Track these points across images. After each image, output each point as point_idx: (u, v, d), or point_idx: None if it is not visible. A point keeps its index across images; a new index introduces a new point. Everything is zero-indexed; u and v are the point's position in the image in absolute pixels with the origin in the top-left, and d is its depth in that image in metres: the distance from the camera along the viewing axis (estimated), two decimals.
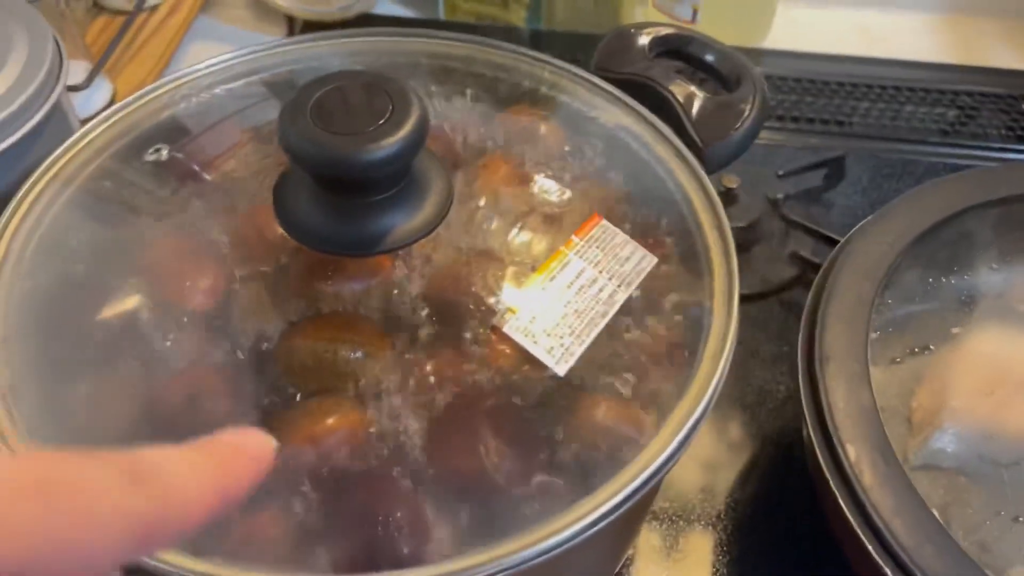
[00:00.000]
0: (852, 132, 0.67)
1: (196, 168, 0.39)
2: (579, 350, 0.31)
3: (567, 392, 0.32)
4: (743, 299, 0.55)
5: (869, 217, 0.45)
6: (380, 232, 0.31)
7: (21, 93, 0.41)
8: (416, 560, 0.28)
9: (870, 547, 0.34)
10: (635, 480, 0.28)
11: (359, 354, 0.32)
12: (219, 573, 0.26)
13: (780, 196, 0.59)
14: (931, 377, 0.41)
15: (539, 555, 0.27)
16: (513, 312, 0.31)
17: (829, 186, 0.61)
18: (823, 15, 0.78)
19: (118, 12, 0.66)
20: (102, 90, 0.59)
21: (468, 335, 0.32)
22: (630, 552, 0.44)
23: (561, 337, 0.31)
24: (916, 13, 0.78)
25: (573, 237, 0.33)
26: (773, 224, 0.59)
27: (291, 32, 0.73)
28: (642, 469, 0.28)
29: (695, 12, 0.72)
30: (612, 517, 0.28)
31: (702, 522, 0.46)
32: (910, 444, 0.41)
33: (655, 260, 0.34)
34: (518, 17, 0.74)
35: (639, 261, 0.34)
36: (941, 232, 0.44)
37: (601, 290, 0.32)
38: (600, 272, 0.33)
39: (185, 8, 0.68)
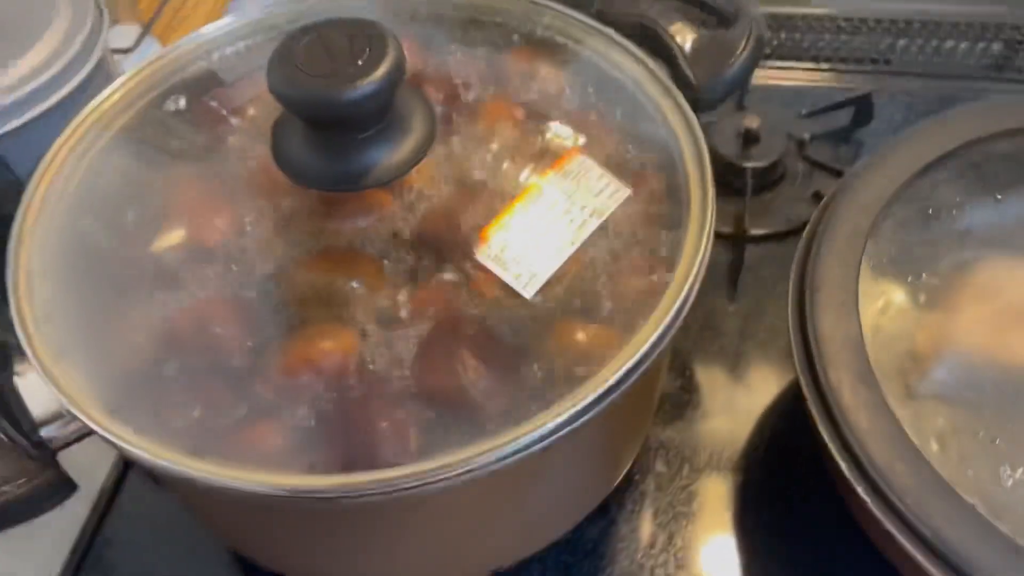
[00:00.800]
0: (890, 70, 0.66)
1: (219, 117, 0.42)
2: (546, 275, 0.33)
3: (543, 315, 0.34)
4: (764, 238, 0.57)
5: (874, 152, 0.45)
6: (366, 168, 0.34)
7: (64, 54, 0.45)
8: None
9: (843, 466, 0.36)
10: (591, 395, 0.30)
11: (352, 284, 0.35)
12: (218, 471, 0.30)
13: (806, 136, 0.59)
14: (933, 308, 0.41)
15: (508, 455, 0.29)
16: (485, 240, 0.33)
17: (857, 126, 0.61)
18: None
19: None
20: (151, 52, 0.63)
21: (449, 264, 0.34)
22: (635, 476, 0.46)
23: (529, 263, 0.33)
24: None
25: (548, 171, 0.35)
26: (797, 164, 0.59)
27: None
28: (601, 382, 0.30)
29: None
30: (574, 424, 0.30)
31: (713, 455, 0.47)
32: (912, 374, 0.41)
33: (628, 192, 0.36)
34: None
35: (613, 193, 0.35)
36: (944, 164, 0.44)
37: (572, 220, 0.34)
38: (572, 203, 0.35)
39: None
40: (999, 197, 0.43)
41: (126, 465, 0.48)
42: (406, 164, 0.34)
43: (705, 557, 0.44)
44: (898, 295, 0.41)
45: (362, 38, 0.33)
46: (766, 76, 0.66)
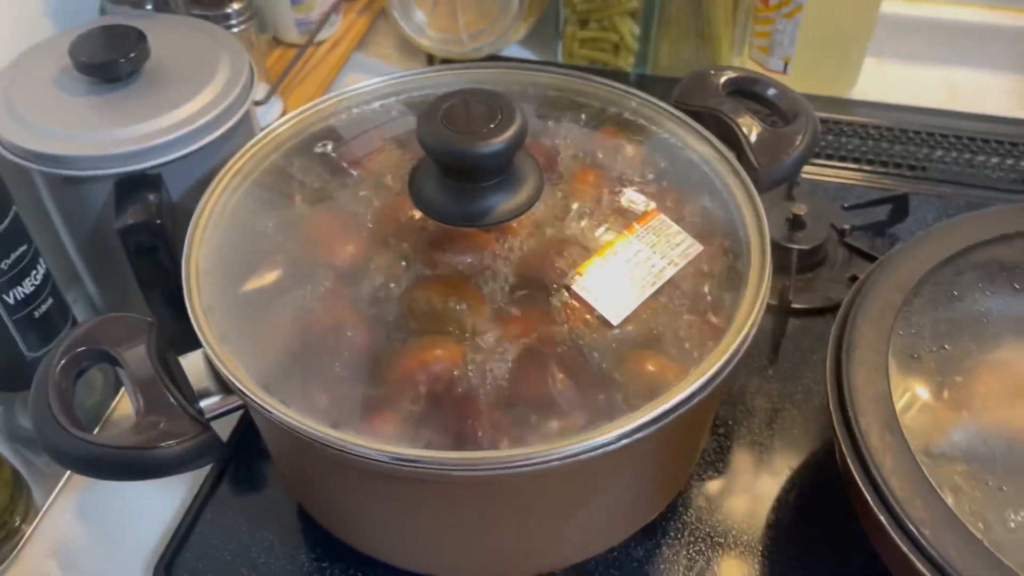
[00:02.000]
0: (926, 176, 0.73)
1: (348, 164, 0.50)
2: (630, 308, 0.40)
3: (621, 343, 0.41)
4: (805, 312, 0.63)
5: (909, 239, 0.52)
6: (485, 210, 0.41)
7: (223, 101, 0.53)
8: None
9: (870, 500, 0.41)
10: (661, 407, 0.37)
11: (463, 306, 0.42)
12: (351, 439, 0.36)
13: (847, 227, 0.66)
14: (953, 378, 0.47)
15: (581, 452, 0.36)
16: (580, 275, 0.40)
17: (893, 221, 0.68)
18: (910, 71, 0.84)
19: (291, 45, 0.80)
20: (276, 107, 0.72)
21: (546, 294, 0.41)
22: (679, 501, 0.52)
23: (616, 297, 0.40)
24: (1000, 72, 0.84)
25: (635, 224, 0.42)
26: (837, 250, 0.66)
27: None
28: (663, 403, 0.37)
29: (786, 64, 0.80)
30: (640, 434, 0.36)
31: (748, 497, 0.53)
32: (933, 433, 0.47)
33: (701, 247, 0.43)
34: (626, 63, 0.84)
35: (688, 247, 0.42)
36: (970, 255, 0.50)
37: (652, 266, 0.41)
38: (653, 252, 0.42)
39: (344, 44, 0.82)
40: (1017, 287, 0.49)
41: (230, 457, 0.54)
42: (519, 209, 0.41)
43: None
44: (922, 364, 0.47)
45: (495, 106, 0.40)
46: (814, 172, 0.73)
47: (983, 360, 0.46)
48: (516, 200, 0.42)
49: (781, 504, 0.53)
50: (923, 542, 0.39)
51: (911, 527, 0.40)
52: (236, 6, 0.66)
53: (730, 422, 0.57)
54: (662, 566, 0.50)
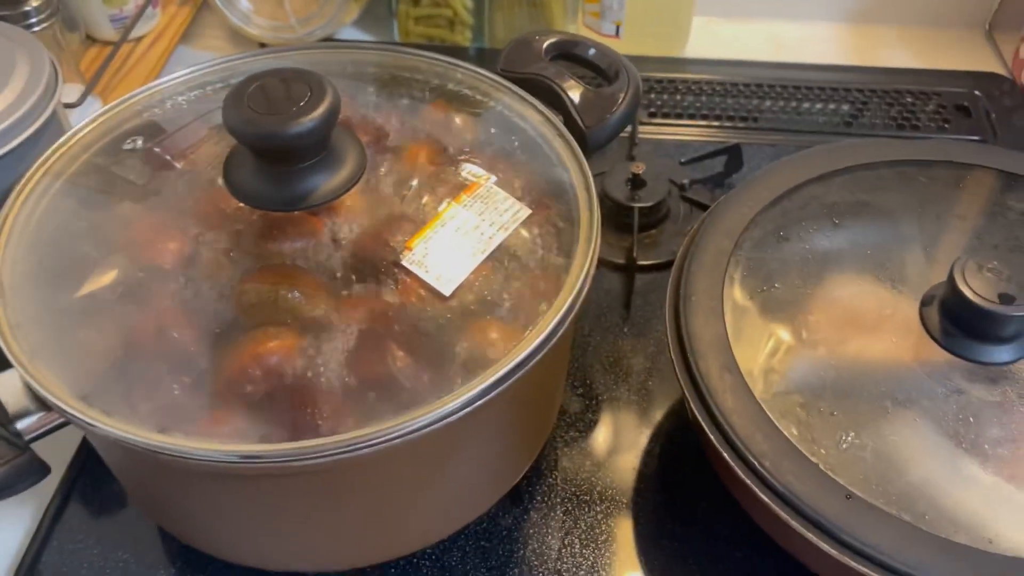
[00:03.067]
0: (757, 127, 0.76)
1: (167, 158, 0.48)
2: (461, 277, 0.39)
3: (458, 313, 0.40)
4: (652, 268, 0.65)
5: (736, 187, 0.54)
6: (305, 192, 0.40)
7: (22, 105, 0.50)
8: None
9: (713, 439, 0.42)
10: (497, 372, 0.36)
11: (295, 293, 0.41)
12: (176, 442, 0.35)
13: (686, 181, 0.68)
14: (784, 314, 0.49)
15: (428, 424, 0.35)
16: (410, 249, 0.40)
17: (729, 172, 0.70)
18: (736, 27, 0.87)
19: (108, 42, 0.75)
20: (93, 108, 0.68)
21: (379, 273, 0.40)
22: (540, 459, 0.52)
23: (447, 268, 0.39)
24: (821, 22, 0.88)
25: (463, 194, 0.42)
26: (679, 205, 0.68)
27: None
28: (504, 365, 0.37)
29: (618, 28, 0.81)
30: (480, 401, 0.36)
31: (612, 452, 0.54)
32: (768, 368, 0.48)
33: (529, 211, 0.43)
34: (463, 38, 0.84)
35: (516, 212, 0.42)
36: (792, 196, 0.53)
37: (482, 234, 0.41)
38: (482, 219, 0.41)
39: (167, 38, 0.78)
40: (837, 223, 0.52)
41: (76, 476, 0.51)
42: (341, 189, 0.40)
43: (607, 538, 0.50)
44: (756, 304, 0.48)
45: (303, 84, 0.39)
46: (652, 131, 0.75)
47: (811, 295, 0.48)
48: (337, 179, 0.41)
49: (645, 456, 0.54)
50: (764, 473, 0.41)
51: (752, 460, 0.41)
52: (35, 3, 0.62)
53: (588, 381, 0.58)
54: (531, 531, 0.50)
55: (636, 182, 0.66)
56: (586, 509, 0.51)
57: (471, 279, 0.40)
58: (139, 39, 0.77)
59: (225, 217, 0.43)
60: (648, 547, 0.50)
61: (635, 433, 0.55)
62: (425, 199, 0.43)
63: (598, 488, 0.52)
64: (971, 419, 0.42)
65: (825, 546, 0.39)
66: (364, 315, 0.40)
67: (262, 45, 0.83)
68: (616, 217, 0.66)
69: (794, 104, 0.78)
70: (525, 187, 0.46)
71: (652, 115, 0.77)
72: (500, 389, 0.37)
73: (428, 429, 0.36)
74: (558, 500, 0.51)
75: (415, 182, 0.44)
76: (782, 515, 0.40)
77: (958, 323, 0.44)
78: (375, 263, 0.40)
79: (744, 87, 0.79)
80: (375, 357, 0.39)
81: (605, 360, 0.59)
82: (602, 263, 0.65)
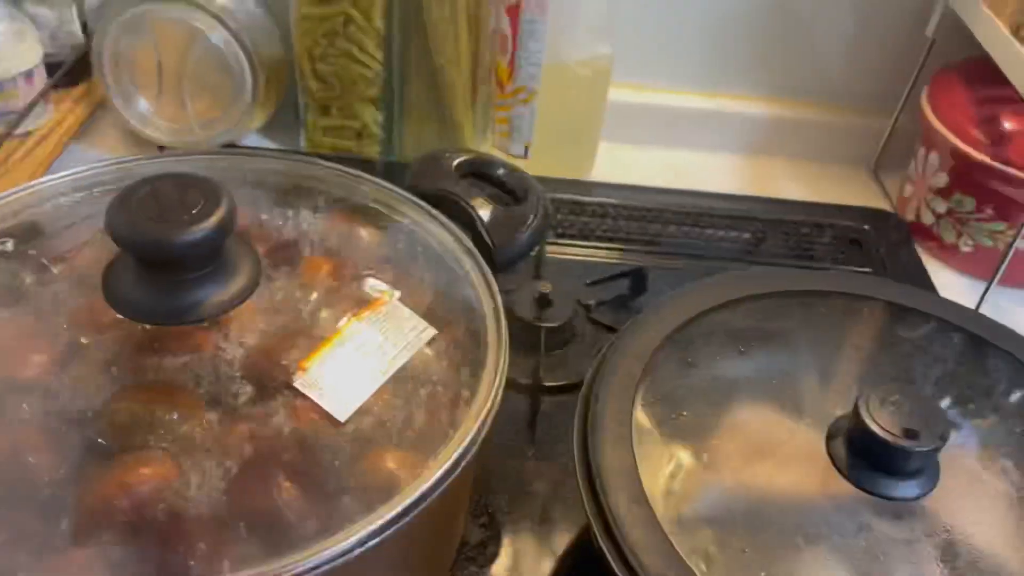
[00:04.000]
0: (661, 251, 0.77)
1: (44, 261, 0.44)
2: (358, 401, 0.37)
3: (355, 441, 0.37)
4: (558, 389, 0.63)
5: (641, 313, 0.53)
6: (194, 304, 0.37)
7: None
8: None
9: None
10: (397, 507, 0.34)
11: (173, 415, 0.37)
12: None
13: (592, 302, 0.68)
14: (692, 443, 0.48)
15: (314, 568, 0.32)
16: (304, 370, 0.37)
17: (635, 294, 0.70)
18: (640, 154, 0.90)
19: None
20: None
21: (269, 394, 0.37)
22: None
23: (344, 391, 0.37)
24: (718, 153, 0.91)
25: (365, 311, 0.40)
26: (585, 326, 0.67)
27: None
28: (402, 500, 0.34)
29: (527, 149, 0.82)
30: (375, 540, 0.33)
31: None
32: (678, 500, 0.47)
33: (435, 331, 0.41)
34: (372, 151, 0.83)
35: (421, 331, 0.40)
36: (699, 322, 0.52)
37: (384, 353, 0.39)
38: (386, 339, 0.39)
39: (57, 135, 0.74)
40: (742, 350, 0.52)
41: None
42: (232, 302, 0.38)
43: None
44: (664, 432, 0.47)
45: (196, 190, 0.37)
46: (559, 251, 0.75)
47: (719, 424, 0.48)
48: (228, 292, 0.38)
49: None
50: None
51: None
52: None
53: (490, 510, 0.55)
54: None
55: (543, 301, 0.65)
56: None
57: (370, 403, 0.38)
58: (27, 134, 0.73)
59: (102, 327, 0.40)
60: None
61: (537, 566, 0.52)
62: (324, 315, 0.41)
63: None
64: (880, 557, 0.41)
65: None
66: (250, 441, 0.36)
67: (161, 148, 0.80)
68: (522, 336, 0.64)
69: (697, 230, 0.79)
70: (431, 305, 0.44)
71: (560, 235, 0.77)
72: (397, 526, 0.34)
73: (316, 572, 0.32)
74: None
75: (314, 297, 0.42)
76: None
77: (865, 456, 0.44)
78: (265, 384, 0.37)
79: (647, 211, 0.81)
80: (260, 489, 0.35)
81: (509, 486, 0.56)
82: (508, 383, 0.62)
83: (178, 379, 0.38)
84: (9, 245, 0.43)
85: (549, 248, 0.75)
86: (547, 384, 0.62)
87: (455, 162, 0.53)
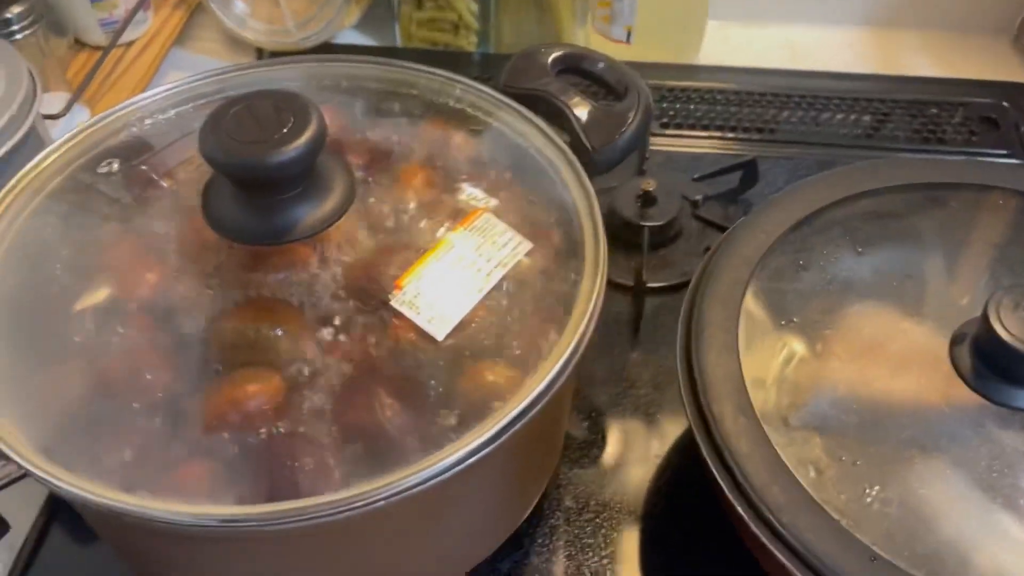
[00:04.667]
0: (774, 139, 0.73)
1: (150, 179, 0.45)
2: (455, 319, 0.36)
3: (454, 356, 0.37)
4: (662, 290, 0.62)
5: (753, 209, 0.51)
6: (289, 225, 0.37)
7: None
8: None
9: (725, 487, 0.39)
10: (499, 423, 0.34)
11: (278, 332, 0.38)
12: (146, 504, 0.32)
13: (699, 198, 0.65)
14: (804, 349, 0.46)
15: (420, 483, 0.32)
16: (400, 288, 0.37)
17: (745, 188, 0.67)
18: (752, 32, 0.84)
19: (98, 47, 0.73)
20: (81, 118, 0.65)
21: (368, 311, 0.37)
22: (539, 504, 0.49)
23: (440, 309, 0.36)
24: (840, 27, 0.84)
25: (459, 227, 0.39)
26: (691, 223, 0.65)
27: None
28: (502, 416, 0.34)
29: (629, 33, 0.78)
30: (479, 455, 0.33)
31: (618, 491, 0.51)
32: (787, 408, 0.45)
33: (530, 245, 0.40)
34: (468, 43, 0.80)
35: (516, 245, 0.39)
36: (813, 221, 0.49)
37: (479, 270, 0.38)
38: (479, 255, 0.38)
39: (159, 42, 0.75)
40: (860, 251, 0.49)
41: (50, 516, 0.49)
42: (326, 221, 0.37)
43: None
44: (773, 338, 0.45)
45: (287, 108, 0.36)
46: (665, 143, 0.72)
47: (832, 330, 0.45)
48: (324, 209, 0.38)
49: (652, 496, 0.51)
50: (780, 529, 0.38)
51: (768, 514, 0.38)
52: (17, 10, 0.59)
53: (593, 412, 0.55)
54: (533, 575, 0.47)
55: (647, 199, 0.63)
56: (589, 553, 0.48)
57: (468, 319, 0.37)
58: (130, 44, 0.74)
59: (205, 247, 0.40)
60: None
61: (642, 468, 0.52)
62: (420, 229, 0.40)
63: (603, 530, 0.49)
64: (1005, 470, 0.39)
65: None
66: (351, 359, 0.37)
67: (259, 50, 0.80)
68: (625, 236, 0.63)
69: (812, 115, 0.74)
70: (526, 215, 0.43)
71: (664, 126, 0.73)
72: (500, 441, 0.34)
73: (421, 488, 0.33)
74: (560, 543, 0.49)
75: (409, 211, 0.41)
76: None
77: (991, 365, 0.41)
78: (364, 301, 0.37)
79: (760, 96, 0.76)
80: (362, 405, 0.36)
81: (612, 389, 0.56)
82: (610, 284, 0.61)
83: (280, 297, 0.38)
84: (115, 166, 0.43)
85: (654, 140, 0.71)
86: (651, 285, 0.60)
87: (551, 58, 0.50)
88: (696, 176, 0.66)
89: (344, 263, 0.39)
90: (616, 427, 0.54)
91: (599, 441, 0.53)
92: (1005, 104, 0.74)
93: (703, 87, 0.77)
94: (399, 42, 0.82)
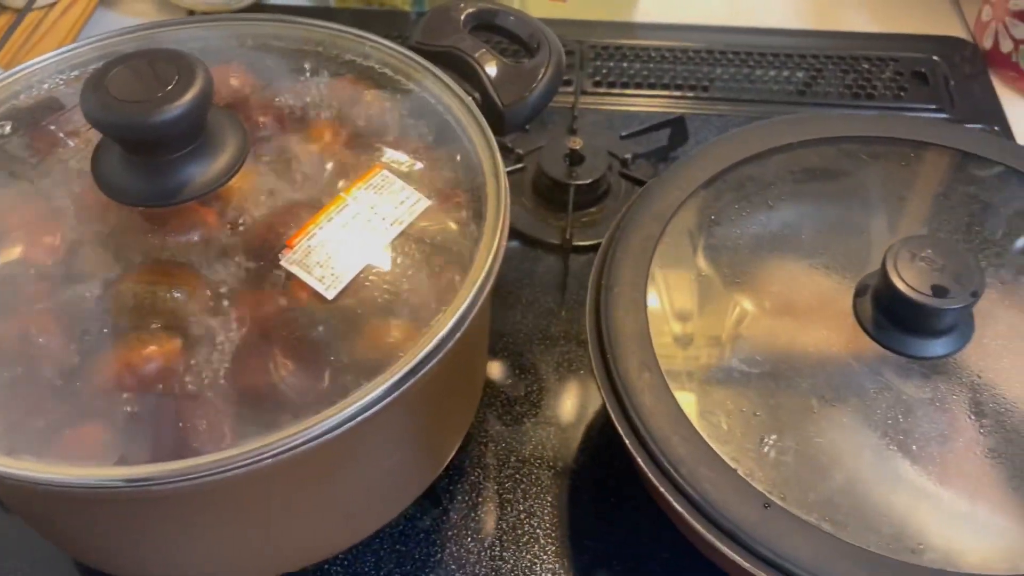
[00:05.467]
0: (708, 96, 0.73)
1: (52, 141, 0.44)
2: (347, 278, 0.36)
3: (351, 315, 0.37)
4: (589, 249, 0.62)
5: (669, 167, 0.51)
6: (179, 185, 0.37)
7: None
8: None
9: (628, 443, 0.40)
10: (393, 377, 0.34)
11: (173, 294, 0.38)
12: (18, 466, 0.32)
13: (628, 156, 0.65)
14: (712, 303, 0.46)
15: (309, 440, 0.33)
16: (291, 247, 0.37)
17: (675, 146, 0.67)
18: None
19: (17, 10, 0.71)
20: None
21: (262, 272, 0.37)
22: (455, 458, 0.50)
23: (332, 268, 0.36)
24: None
25: (355, 184, 0.39)
26: (620, 182, 0.65)
27: None
28: (398, 369, 0.34)
29: None
30: (372, 409, 0.34)
31: (539, 447, 0.51)
32: (692, 362, 0.45)
33: (429, 202, 0.40)
34: (404, 2, 0.79)
35: (414, 203, 0.39)
36: (727, 177, 0.50)
37: (374, 228, 0.38)
38: (375, 213, 0.38)
39: (82, 3, 0.73)
40: (771, 205, 0.49)
41: None
42: (217, 180, 0.37)
43: (528, 539, 0.47)
44: (682, 294, 0.46)
45: (171, 67, 0.36)
46: (596, 102, 0.71)
47: (740, 284, 0.46)
48: (215, 168, 0.37)
49: (575, 453, 0.51)
50: (679, 479, 0.38)
51: (668, 466, 0.39)
52: None
53: (519, 371, 0.55)
54: (451, 532, 0.48)
55: (574, 158, 0.63)
56: (508, 508, 0.49)
57: (364, 277, 0.37)
58: (52, 4, 0.73)
59: (98, 211, 0.40)
60: (572, 548, 0.48)
61: (565, 427, 0.52)
62: (317, 189, 0.40)
63: (522, 486, 0.50)
64: (900, 417, 0.40)
65: (739, 558, 0.36)
66: (247, 320, 0.37)
67: (190, 12, 0.78)
68: (553, 195, 0.63)
69: (746, 71, 0.74)
70: (429, 171, 0.43)
71: (597, 84, 0.73)
72: (391, 398, 0.34)
73: (309, 445, 0.33)
74: (480, 499, 0.49)
75: (310, 170, 0.41)
76: (696, 525, 0.38)
77: (890, 315, 0.42)
78: (258, 261, 0.37)
79: (694, 53, 0.76)
80: (258, 367, 0.36)
81: (538, 348, 0.56)
82: (538, 244, 0.62)
83: (177, 260, 0.38)
84: (7, 128, 0.43)
85: (587, 98, 0.71)
86: (578, 244, 0.61)
87: (464, 14, 0.50)
88: (623, 134, 0.66)
89: (241, 224, 0.39)
90: (542, 384, 0.54)
91: (523, 398, 0.54)
92: (936, 59, 0.74)
93: (639, 44, 0.77)
94: (332, 2, 0.80)
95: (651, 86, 0.73)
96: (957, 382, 0.41)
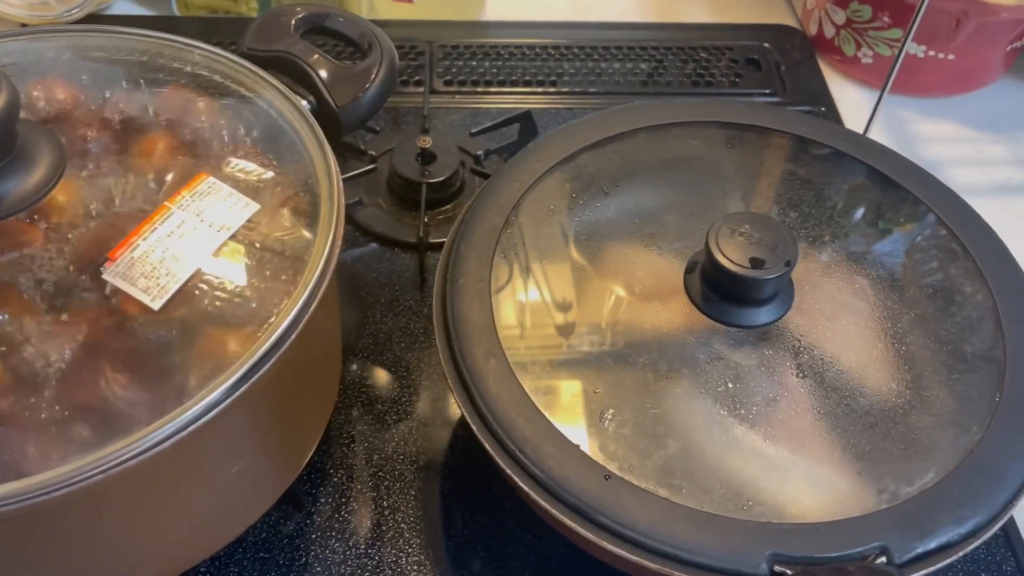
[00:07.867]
0: (557, 91, 0.75)
1: None
2: (173, 287, 0.36)
3: (183, 324, 0.37)
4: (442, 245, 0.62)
5: (510, 159, 0.52)
6: None
7: None
8: None
9: (476, 429, 0.41)
10: (228, 381, 0.34)
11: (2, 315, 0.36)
12: None
13: (480, 153, 0.66)
14: (554, 289, 0.48)
15: (140, 452, 0.32)
16: (112, 261, 0.36)
17: (524, 140, 0.68)
18: None
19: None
20: None
21: (88, 287, 0.37)
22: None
23: (157, 278, 0.36)
24: None
25: (179, 193, 0.39)
26: (472, 178, 0.66)
27: None
28: (223, 382, 0.34)
29: None
30: (208, 416, 0.34)
31: (403, 444, 0.52)
32: (537, 347, 0.47)
33: (257, 207, 0.40)
34: (249, 8, 0.78)
35: (242, 208, 0.39)
36: (564, 166, 0.51)
37: (200, 235, 0.38)
38: (201, 220, 0.38)
39: None
40: (607, 192, 0.51)
41: None
42: (33, 196, 0.36)
43: (393, 535, 0.48)
44: (526, 282, 0.47)
45: None
46: (447, 102, 0.72)
47: (580, 269, 0.47)
48: (30, 183, 0.36)
49: (437, 447, 0.52)
50: (524, 460, 0.40)
51: (513, 447, 0.40)
52: None
53: (379, 369, 0.55)
54: (315, 536, 0.48)
55: (425, 156, 0.63)
56: (372, 506, 0.49)
57: (194, 285, 0.37)
58: None
59: None
60: (437, 538, 0.48)
61: (427, 423, 0.53)
62: (143, 200, 0.39)
63: (385, 483, 0.50)
64: (730, 384, 0.42)
65: (582, 529, 0.38)
66: (76, 337, 0.36)
67: (23, 26, 0.75)
68: (407, 194, 0.64)
69: (592, 65, 0.77)
70: (263, 178, 0.43)
71: (448, 83, 0.74)
72: (226, 403, 0.34)
73: (147, 454, 0.33)
74: (344, 500, 0.49)
75: (135, 181, 0.40)
76: (541, 501, 0.39)
77: (716, 289, 0.44)
78: (83, 276, 0.37)
79: (542, 49, 0.78)
80: (89, 384, 0.35)
81: (398, 346, 0.57)
82: (394, 243, 0.62)
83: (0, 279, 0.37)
84: None
85: (437, 98, 0.72)
86: (433, 241, 0.61)
87: (294, 19, 0.50)
88: (474, 131, 0.67)
89: (65, 239, 0.38)
90: (403, 382, 0.55)
91: (385, 397, 0.54)
92: (767, 46, 0.78)
93: (488, 43, 0.78)
94: (175, 11, 0.79)
95: (501, 83, 0.74)
96: (781, 347, 0.44)
